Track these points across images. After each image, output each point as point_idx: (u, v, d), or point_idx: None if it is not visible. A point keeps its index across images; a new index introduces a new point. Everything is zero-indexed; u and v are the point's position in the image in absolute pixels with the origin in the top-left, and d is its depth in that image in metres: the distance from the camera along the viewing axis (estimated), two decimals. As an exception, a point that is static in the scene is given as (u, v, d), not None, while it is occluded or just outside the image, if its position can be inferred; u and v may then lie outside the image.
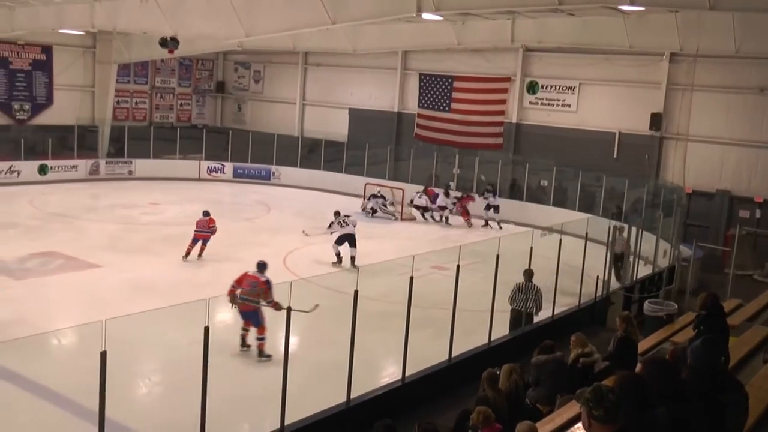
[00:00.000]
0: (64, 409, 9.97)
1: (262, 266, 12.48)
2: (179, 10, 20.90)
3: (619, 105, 26.22)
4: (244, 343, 12.20)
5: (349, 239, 18.66)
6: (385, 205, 26.52)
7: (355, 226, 19.00)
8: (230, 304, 11.89)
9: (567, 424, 7.34)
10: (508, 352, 11.42)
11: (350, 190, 28.70)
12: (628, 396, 4.26)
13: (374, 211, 26.25)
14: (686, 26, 22.10)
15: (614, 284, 16.26)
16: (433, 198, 26.21)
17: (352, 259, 18.05)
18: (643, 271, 17.85)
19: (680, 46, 22.97)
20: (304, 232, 20.96)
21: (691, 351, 5.43)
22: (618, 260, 17.15)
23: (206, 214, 18.87)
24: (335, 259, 18.28)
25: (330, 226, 19.30)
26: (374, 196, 26.66)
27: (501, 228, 24.88)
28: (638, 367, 7.44)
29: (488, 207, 25.52)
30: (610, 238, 16.54)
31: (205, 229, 18.60)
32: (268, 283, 12.04)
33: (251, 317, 12.03)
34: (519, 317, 12.88)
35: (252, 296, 11.94)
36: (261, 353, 11.92)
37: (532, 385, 9.36)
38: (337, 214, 19.48)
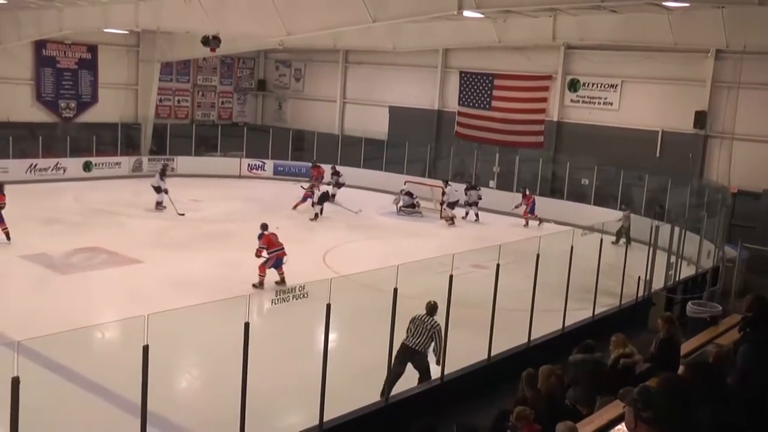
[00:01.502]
0: (108, 401, 10.14)
1: (264, 226, 16.86)
2: (221, 9, 21.07)
3: (662, 103, 25.85)
4: (261, 285, 15.86)
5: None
6: (412, 205, 26.54)
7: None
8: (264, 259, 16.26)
9: (608, 426, 7.24)
10: (548, 352, 11.33)
11: (390, 187, 28.70)
12: (671, 398, 4.20)
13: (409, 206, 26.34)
14: (733, 22, 21.62)
15: (656, 285, 16.03)
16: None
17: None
18: (687, 271, 17.57)
19: (726, 42, 22.49)
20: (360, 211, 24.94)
21: (740, 355, 5.33)
22: (620, 233, 20.46)
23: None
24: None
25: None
26: (406, 193, 26.77)
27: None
28: (681, 369, 7.32)
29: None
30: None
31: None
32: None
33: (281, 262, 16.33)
34: (403, 353, 10.07)
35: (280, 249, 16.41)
36: (283, 281, 16.11)
37: (570, 385, 9.27)
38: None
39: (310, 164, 29.40)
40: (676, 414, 4.06)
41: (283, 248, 16.57)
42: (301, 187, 26.21)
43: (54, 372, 10.30)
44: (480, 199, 26.23)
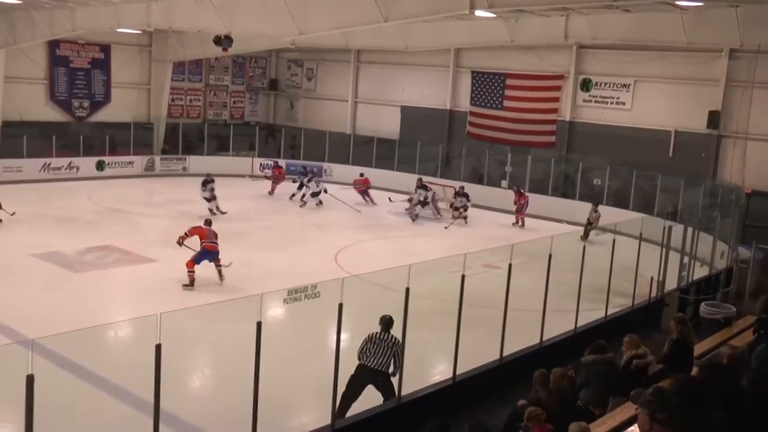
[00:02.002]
0: (121, 399, 10.17)
1: (208, 222, 17.20)
2: (233, 8, 21.14)
3: (676, 103, 25.72)
4: (191, 284, 15.70)
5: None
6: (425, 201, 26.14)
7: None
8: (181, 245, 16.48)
9: (621, 427, 7.24)
10: (560, 352, 11.29)
11: (402, 187, 28.68)
12: (685, 400, 4.18)
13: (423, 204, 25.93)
14: (747, 21, 21.50)
15: (669, 285, 15.95)
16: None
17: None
18: (700, 272, 17.47)
19: (740, 41, 22.38)
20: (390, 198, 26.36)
21: (755, 356, 5.30)
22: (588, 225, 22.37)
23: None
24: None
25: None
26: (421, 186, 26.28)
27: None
28: (694, 370, 7.30)
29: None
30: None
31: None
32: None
33: (215, 256, 16.19)
34: (366, 376, 9.37)
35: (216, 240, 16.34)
36: (221, 277, 16.23)
37: (582, 385, 9.24)
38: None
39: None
40: (691, 416, 4.04)
41: (213, 243, 16.32)
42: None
43: (67, 370, 10.35)
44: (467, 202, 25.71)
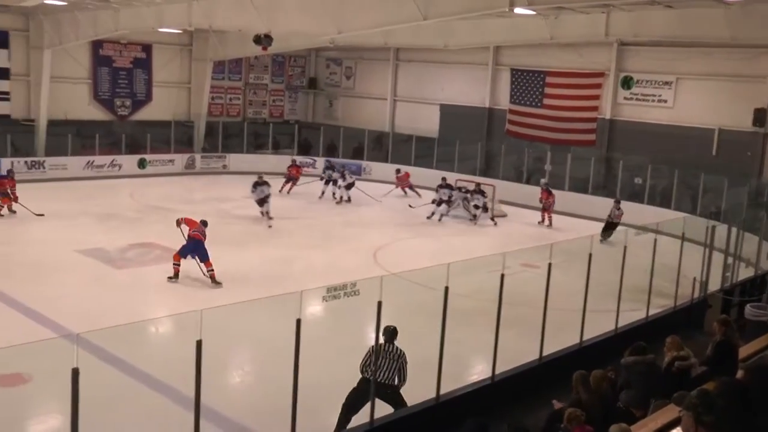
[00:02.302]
0: (162, 394, 10.32)
1: (204, 223, 16.42)
2: (273, 7, 21.27)
3: (719, 100, 25.29)
4: (176, 276, 15.72)
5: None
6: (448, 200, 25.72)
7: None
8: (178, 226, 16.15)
9: (662, 429, 7.13)
10: (600, 353, 11.17)
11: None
12: (731, 403, 4.11)
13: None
14: (795, 16, 21.07)
15: (712, 286, 15.69)
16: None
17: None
18: (744, 273, 17.15)
19: (788, 37, 21.94)
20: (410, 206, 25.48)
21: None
22: (609, 227, 21.66)
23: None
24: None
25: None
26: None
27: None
28: (740, 373, 7.17)
29: None
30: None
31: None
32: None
33: (200, 250, 15.64)
34: (368, 389, 8.85)
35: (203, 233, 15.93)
36: (213, 280, 15.57)
37: (623, 387, 9.14)
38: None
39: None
40: (737, 419, 3.97)
41: (200, 232, 15.99)
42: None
43: (111, 364, 10.52)
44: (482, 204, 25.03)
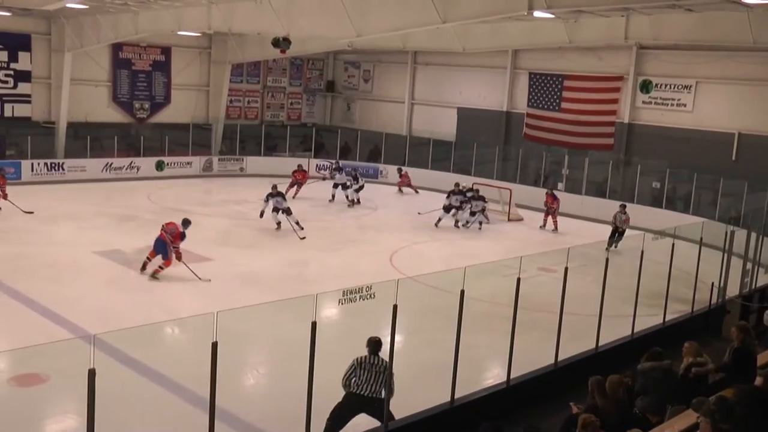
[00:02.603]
0: (177, 395, 10.36)
1: (186, 223, 16.74)
2: (292, 10, 21.33)
3: (740, 104, 25.11)
4: (144, 268, 16.35)
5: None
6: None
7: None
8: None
9: (679, 436, 7.07)
10: (616, 358, 11.12)
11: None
12: (750, 410, 4.06)
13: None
14: (818, 20, 20.87)
15: (731, 292, 15.55)
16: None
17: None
18: (764, 279, 17.00)
19: (811, 40, 21.72)
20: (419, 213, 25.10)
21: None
22: (616, 233, 21.38)
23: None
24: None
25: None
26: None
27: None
28: (758, 380, 7.10)
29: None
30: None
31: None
32: (182, 234, 16.41)
33: (161, 248, 16.16)
34: (356, 404, 8.65)
35: (168, 234, 16.25)
36: (153, 275, 16.05)
37: (639, 393, 9.07)
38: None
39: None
40: (756, 426, 3.93)
41: (165, 231, 16.36)
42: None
43: (126, 365, 10.58)
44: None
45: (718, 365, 9.38)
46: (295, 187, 27.59)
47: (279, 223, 21.65)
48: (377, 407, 8.66)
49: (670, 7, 20.87)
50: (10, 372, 10.71)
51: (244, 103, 36.16)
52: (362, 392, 8.59)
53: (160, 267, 16.17)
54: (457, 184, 24.97)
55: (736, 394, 4.65)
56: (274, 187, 22.52)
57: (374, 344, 8.72)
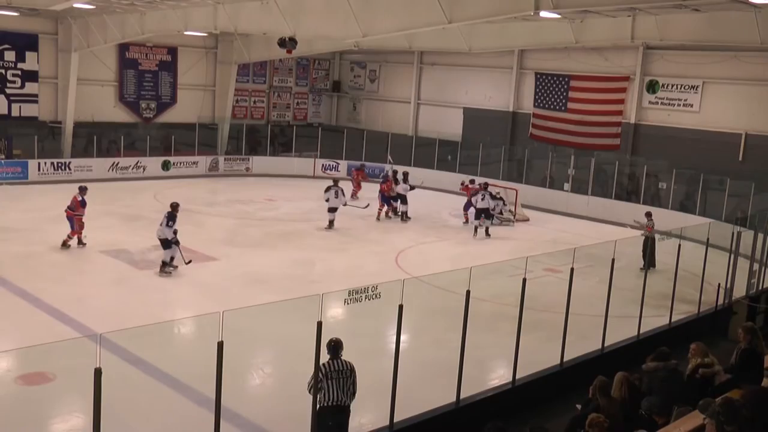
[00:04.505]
0: (182, 394, 10.38)
1: (82, 189, 18.50)
2: (298, 11, 21.34)
3: (747, 104, 25.04)
4: (65, 244, 17.83)
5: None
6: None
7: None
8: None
9: (685, 437, 7.04)
10: (622, 358, 11.09)
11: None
12: (756, 412, 4.05)
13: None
14: (825, 20, 20.78)
15: (737, 293, 15.50)
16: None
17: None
18: (770, 280, 16.94)
19: (819, 41, 21.63)
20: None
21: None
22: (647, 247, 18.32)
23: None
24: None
25: None
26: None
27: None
28: (765, 381, 7.07)
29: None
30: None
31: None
32: (81, 202, 18.15)
33: (69, 221, 17.90)
34: (332, 419, 7.96)
35: (71, 210, 17.94)
36: (63, 244, 17.79)
37: (645, 393, 9.05)
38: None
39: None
40: (763, 428, 3.92)
41: (68, 207, 18.21)
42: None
43: (132, 364, 10.60)
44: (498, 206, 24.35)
45: (724, 366, 9.35)
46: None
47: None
48: (345, 417, 8.12)
49: (676, 7, 20.82)
50: (17, 371, 10.73)
51: (250, 103, 36.21)
52: (340, 402, 7.96)
53: (68, 236, 17.92)
54: (485, 185, 23.93)
55: (743, 396, 4.64)
56: (335, 181, 23.11)
57: (333, 347, 8.03)
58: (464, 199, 25.44)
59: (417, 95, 35.31)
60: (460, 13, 17.88)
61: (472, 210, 23.81)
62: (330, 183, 22.74)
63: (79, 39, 28.85)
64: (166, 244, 16.51)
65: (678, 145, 25.97)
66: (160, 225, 16.76)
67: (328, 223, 22.10)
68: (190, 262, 16.68)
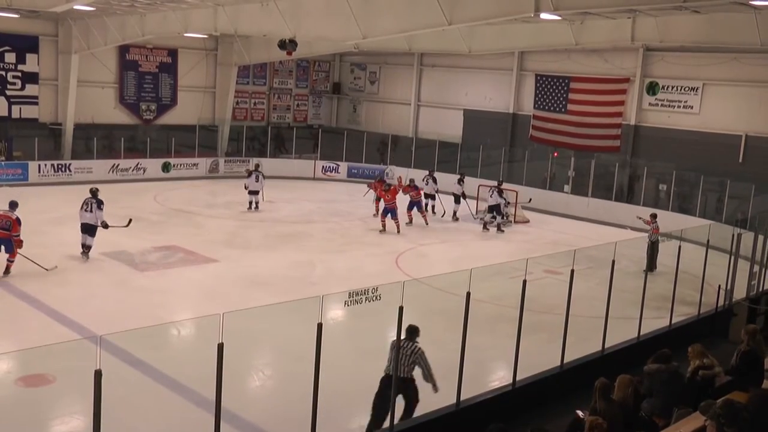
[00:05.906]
0: (182, 396, 10.36)
1: (12, 204, 15.89)
2: (298, 12, 21.36)
3: (747, 106, 25.05)
4: (6, 271, 15.45)
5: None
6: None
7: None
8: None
9: (686, 439, 7.04)
10: (622, 360, 11.08)
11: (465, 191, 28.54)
12: (757, 414, 4.04)
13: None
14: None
15: (738, 295, 15.49)
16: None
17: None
18: (771, 282, 16.92)
19: (819, 43, 21.63)
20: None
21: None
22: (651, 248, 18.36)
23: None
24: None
25: None
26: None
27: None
28: (765, 383, 7.07)
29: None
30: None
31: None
32: (17, 220, 15.58)
33: (4, 244, 15.40)
34: (397, 385, 8.76)
35: (4, 229, 15.37)
36: (6, 271, 15.40)
37: (646, 395, 9.04)
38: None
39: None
40: (761, 430, 3.91)
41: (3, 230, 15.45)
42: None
43: (133, 366, 10.58)
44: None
45: (724, 368, 9.35)
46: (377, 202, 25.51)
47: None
48: (408, 387, 9.09)
49: (676, 9, 20.82)
50: (17, 373, 10.72)
51: (250, 105, 36.23)
52: (399, 373, 8.85)
53: (9, 261, 15.53)
54: (500, 183, 24.65)
55: (750, 398, 4.63)
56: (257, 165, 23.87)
57: (410, 331, 9.04)
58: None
59: (417, 97, 35.33)
60: (460, 15, 17.89)
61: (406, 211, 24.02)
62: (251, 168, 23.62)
63: (80, 41, 28.87)
64: (94, 230, 17.10)
65: (678, 146, 25.98)
66: (89, 211, 17.20)
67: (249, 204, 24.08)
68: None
